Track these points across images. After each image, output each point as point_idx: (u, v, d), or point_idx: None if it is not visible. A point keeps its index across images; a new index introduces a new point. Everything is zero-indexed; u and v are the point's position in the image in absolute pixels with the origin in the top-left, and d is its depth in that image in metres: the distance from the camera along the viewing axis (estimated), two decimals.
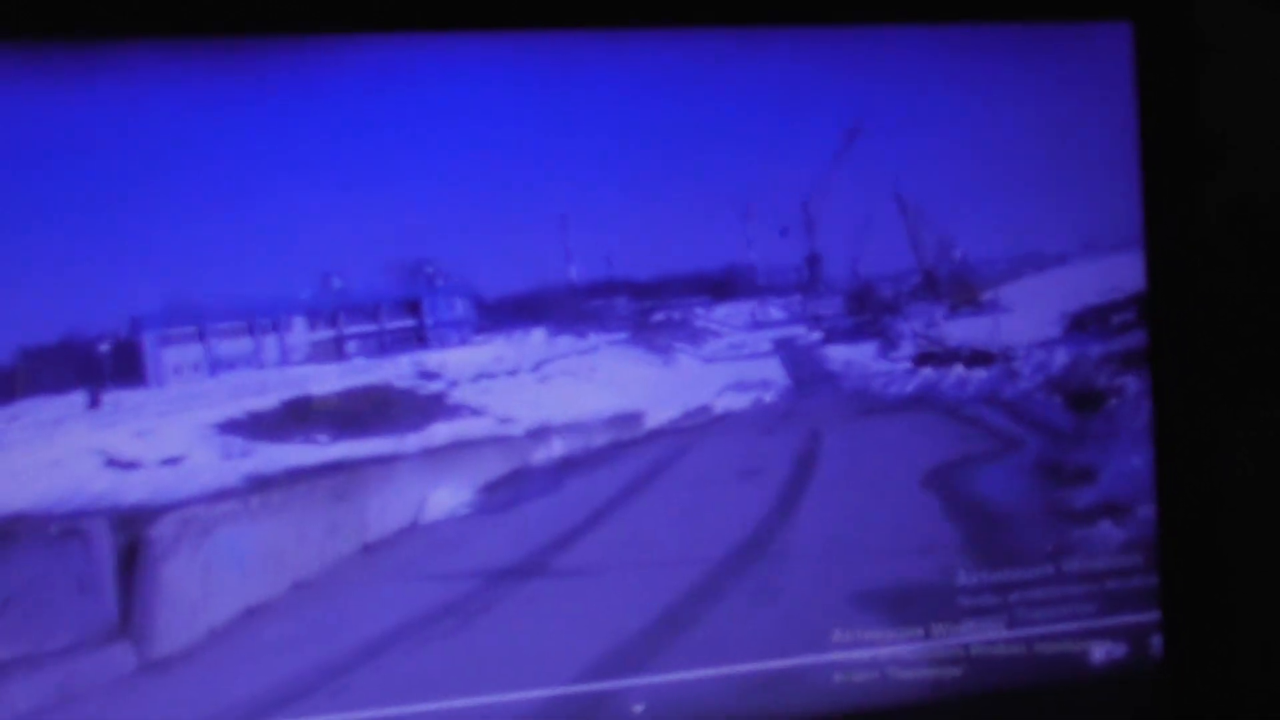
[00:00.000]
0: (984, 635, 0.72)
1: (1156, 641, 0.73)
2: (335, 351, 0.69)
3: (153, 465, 0.65)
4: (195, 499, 0.65)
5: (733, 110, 0.69)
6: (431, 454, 0.67)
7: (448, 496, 0.68)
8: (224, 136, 0.64)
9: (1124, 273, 0.71)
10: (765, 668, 0.70)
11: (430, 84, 0.66)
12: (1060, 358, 0.71)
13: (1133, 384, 0.71)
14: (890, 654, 0.71)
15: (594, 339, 0.70)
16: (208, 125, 0.64)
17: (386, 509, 0.67)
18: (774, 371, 0.71)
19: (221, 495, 0.65)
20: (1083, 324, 0.71)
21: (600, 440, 0.69)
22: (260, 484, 0.66)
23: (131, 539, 0.63)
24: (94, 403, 0.65)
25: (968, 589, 0.71)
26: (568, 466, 0.69)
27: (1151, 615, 0.73)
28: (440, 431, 0.68)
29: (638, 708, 0.68)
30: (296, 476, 0.67)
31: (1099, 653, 0.73)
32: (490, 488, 0.68)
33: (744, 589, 0.69)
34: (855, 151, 0.69)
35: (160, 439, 0.66)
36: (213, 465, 0.67)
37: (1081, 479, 0.71)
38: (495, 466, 0.68)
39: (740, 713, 0.70)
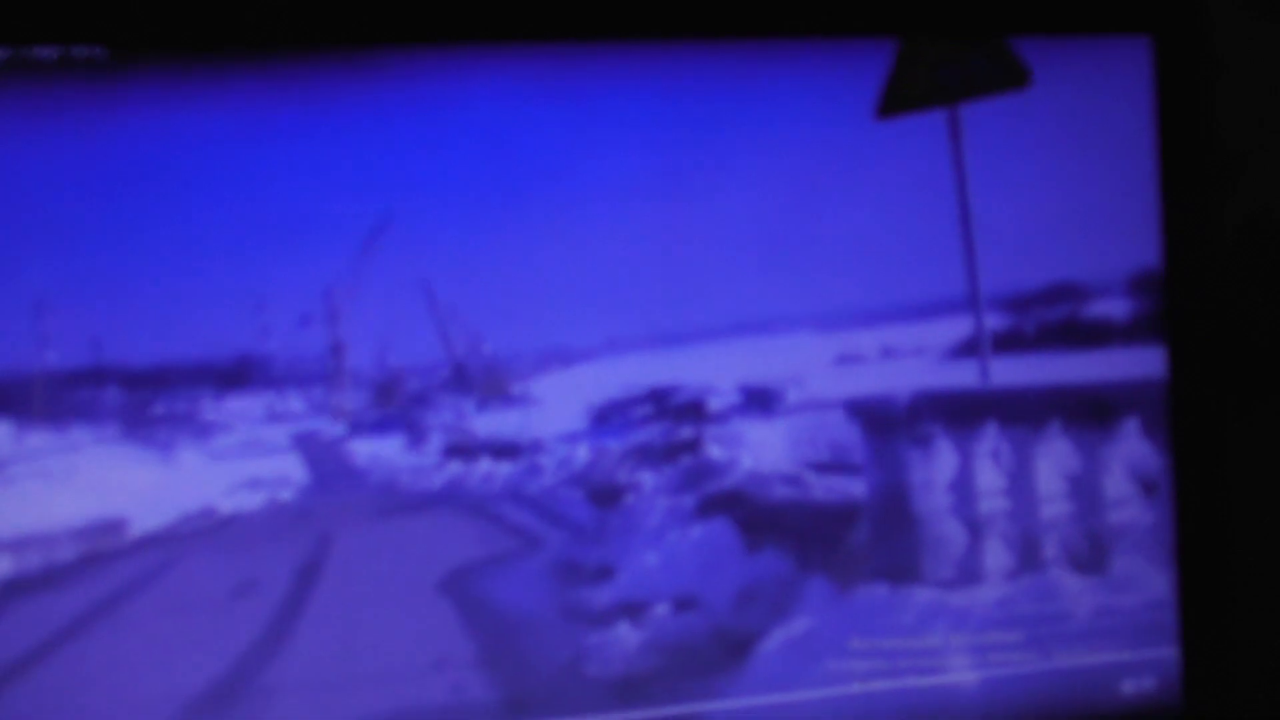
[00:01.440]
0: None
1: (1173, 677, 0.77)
2: None
3: None
4: None
5: (248, 191, 0.65)
6: None
7: None
8: None
9: (643, 368, 0.75)
10: None
11: None
12: (583, 453, 0.74)
13: (650, 479, 0.76)
14: None
15: (77, 434, 0.62)
16: None
17: None
18: (292, 468, 0.67)
19: None
20: (605, 418, 0.75)
21: (66, 555, 0.60)
22: None
23: None
24: None
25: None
26: (14, 590, 0.60)
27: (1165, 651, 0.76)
28: None
29: None
30: None
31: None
32: None
33: None
34: (383, 242, 0.68)
35: None
36: None
37: (600, 577, 0.74)
38: None
39: None
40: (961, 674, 0.77)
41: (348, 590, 0.66)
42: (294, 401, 0.67)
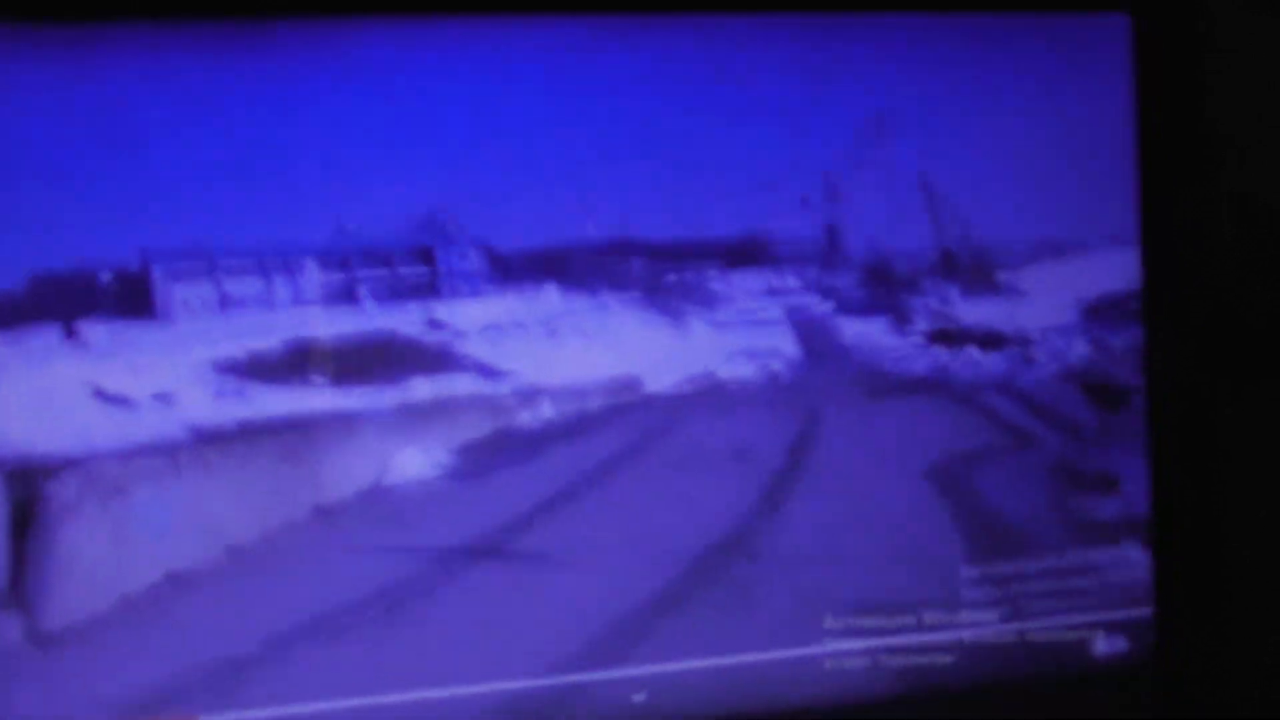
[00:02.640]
0: (980, 628, 0.69)
1: (1151, 636, 0.71)
2: (347, 295, 0.68)
3: (142, 401, 0.63)
4: (144, 447, 0.62)
5: (759, 84, 0.68)
6: (411, 410, 0.65)
7: (419, 457, 0.65)
8: (247, 90, 0.64)
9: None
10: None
11: (457, 55, 0.66)
12: (1078, 347, 0.70)
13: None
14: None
15: (606, 297, 0.69)
16: (233, 81, 0.64)
17: (346, 469, 0.65)
18: (784, 340, 0.70)
19: (161, 446, 0.62)
20: (1097, 312, 0.70)
21: (595, 404, 0.67)
22: (206, 437, 0.63)
23: (27, 496, 0.59)
24: (71, 333, 0.63)
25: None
26: (554, 432, 0.67)
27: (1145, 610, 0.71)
28: (427, 386, 0.66)
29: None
30: (249, 430, 0.64)
31: (1098, 645, 0.70)
32: (468, 450, 0.66)
33: (717, 593, 0.67)
34: (881, 129, 0.69)
35: (154, 374, 0.64)
36: (199, 404, 0.65)
37: (1104, 486, 0.69)
38: (478, 427, 0.67)
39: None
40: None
41: (837, 466, 0.68)
42: (789, 278, 0.70)
